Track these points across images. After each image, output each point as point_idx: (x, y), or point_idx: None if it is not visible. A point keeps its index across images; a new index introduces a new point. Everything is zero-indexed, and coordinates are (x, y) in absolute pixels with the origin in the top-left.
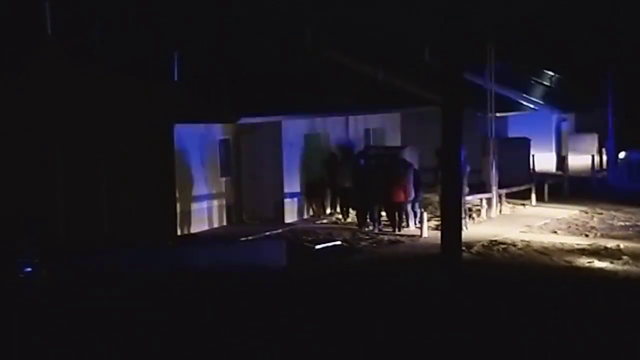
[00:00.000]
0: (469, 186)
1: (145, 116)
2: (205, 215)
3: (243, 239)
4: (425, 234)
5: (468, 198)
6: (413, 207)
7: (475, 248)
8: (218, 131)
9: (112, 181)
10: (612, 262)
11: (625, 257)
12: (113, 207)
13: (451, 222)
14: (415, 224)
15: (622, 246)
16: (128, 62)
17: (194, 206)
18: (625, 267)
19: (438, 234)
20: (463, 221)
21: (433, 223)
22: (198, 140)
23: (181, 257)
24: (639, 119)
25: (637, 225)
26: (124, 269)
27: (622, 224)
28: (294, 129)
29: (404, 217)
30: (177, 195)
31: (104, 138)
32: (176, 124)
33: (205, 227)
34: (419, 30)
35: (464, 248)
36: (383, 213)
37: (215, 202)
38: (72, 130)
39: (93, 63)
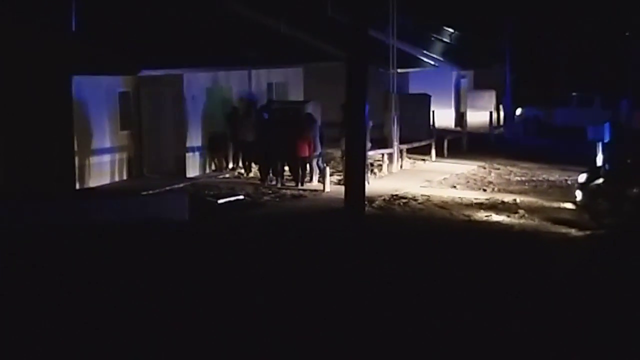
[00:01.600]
0: (371, 141)
1: (42, 67)
2: (105, 169)
3: (144, 192)
4: (328, 188)
5: (370, 153)
6: (317, 162)
7: (377, 202)
8: (118, 83)
9: (8, 132)
10: (508, 216)
11: (521, 211)
12: (8, 159)
13: (355, 177)
14: (318, 179)
15: (518, 200)
16: (25, 12)
17: (94, 159)
18: (521, 221)
19: (340, 188)
20: (365, 176)
21: (335, 178)
22: (97, 93)
23: (81, 210)
24: (535, 76)
25: (532, 180)
26: (21, 221)
27: (519, 178)
28: (196, 82)
29: (307, 171)
30: (76, 148)
31: None
32: (74, 75)
33: (106, 181)
34: None
35: (366, 202)
36: (286, 168)
37: (115, 156)
38: None
39: None
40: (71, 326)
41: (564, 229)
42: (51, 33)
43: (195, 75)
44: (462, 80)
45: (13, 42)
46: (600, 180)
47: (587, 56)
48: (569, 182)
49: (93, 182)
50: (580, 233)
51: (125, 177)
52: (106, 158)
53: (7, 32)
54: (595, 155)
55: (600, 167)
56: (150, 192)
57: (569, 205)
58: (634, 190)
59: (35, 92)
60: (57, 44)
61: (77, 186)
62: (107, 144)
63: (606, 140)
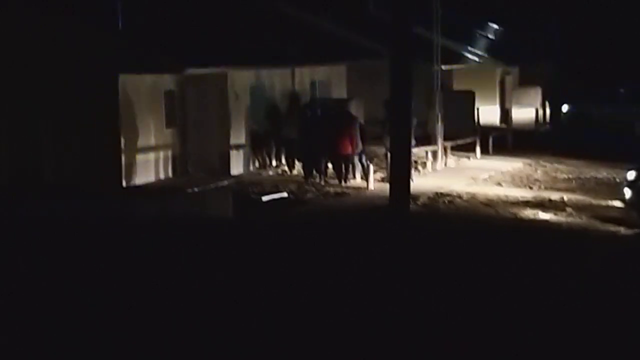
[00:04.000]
0: (415, 138)
1: (89, 66)
2: (150, 167)
3: (189, 190)
4: (372, 186)
5: (414, 150)
6: (360, 160)
7: (421, 200)
8: (163, 82)
9: (55, 131)
10: (555, 214)
11: (568, 209)
12: (56, 157)
13: (399, 174)
14: (361, 176)
15: (565, 198)
16: (72, 11)
17: (139, 157)
18: (569, 219)
19: (384, 186)
20: (410, 173)
21: (379, 175)
22: (143, 91)
23: (127, 207)
24: (581, 72)
25: (579, 178)
26: (70, 217)
27: (565, 176)
28: (240, 80)
29: (350, 169)
30: (123, 146)
31: (48, 88)
32: (121, 74)
33: (151, 179)
34: None
35: (410, 200)
36: (329, 165)
37: (160, 154)
38: (13, 79)
39: (35, 11)
40: (125, 320)
41: (612, 227)
42: (98, 32)
43: (239, 73)
44: (507, 77)
45: (61, 41)
46: None
47: (634, 51)
48: (617, 179)
49: (139, 180)
50: (629, 231)
51: (170, 175)
52: (152, 156)
53: (55, 31)
54: None
55: None
56: (195, 189)
57: (618, 203)
58: None
59: (83, 91)
60: (104, 43)
61: (124, 184)
62: (153, 142)
63: None
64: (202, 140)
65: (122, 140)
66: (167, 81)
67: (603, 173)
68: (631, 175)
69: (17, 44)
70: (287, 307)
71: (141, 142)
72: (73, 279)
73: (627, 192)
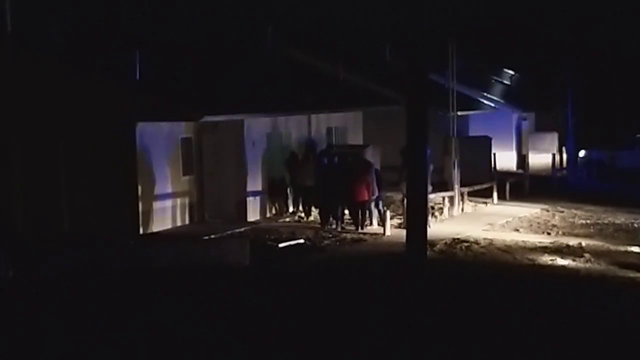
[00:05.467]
0: (432, 184)
1: (107, 115)
2: (167, 214)
3: (206, 237)
4: (389, 232)
5: (431, 196)
6: (376, 206)
7: (438, 246)
8: (180, 129)
9: (73, 179)
10: (574, 260)
11: (586, 255)
12: (74, 205)
13: (416, 220)
14: (378, 222)
15: (583, 244)
16: (90, 61)
17: (156, 205)
18: (587, 265)
19: (401, 232)
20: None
21: (395, 221)
22: (160, 139)
23: (144, 255)
24: (597, 117)
25: (597, 223)
26: (88, 267)
27: (583, 222)
28: (256, 128)
29: (367, 215)
30: (139, 193)
31: (65, 136)
32: (138, 122)
33: (168, 226)
34: (380, 28)
35: (427, 246)
36: (346, 212)
37: (177, 201)
38: (32, 128)
39: (55, 61)
40: None
41: (631, 274)
42: (116, 82)
43: (255, 121)
44: (524, 122)
45: (79, 91)
46: None
47: None
48: (636, 225)
49: (156, 227)
50: None
51: (187, 222)
52: (168, 203)
53: (73, 82)
54: None
55: None
56: (212, 236)
57: (637, 249)
58: None
59: (101, 139)
60: (122, 93)
61: (141, 231)
62: (170, 189)
63: None
64: (218, 187)
65: (139, 188)
66: (184, 129)
67: (621, 219)
68: None
69: (36, 95)
70: (299, 353)
71: (158, 190)
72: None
73: None
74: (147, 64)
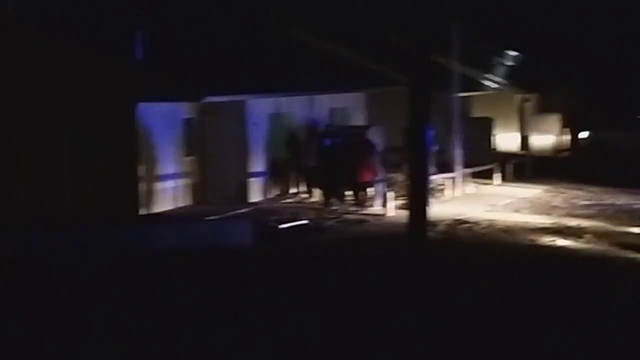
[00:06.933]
0: (435, 165)
1: (109, 94)
2: (169, 195)
3: (208, 218)
4: (390, 213)
5: (433, 177)
6: (379, 187)
7: (440, 227)
8: (182, 110)
9: (75, 160)
10: (574, 241)
11: (587, 236)
12: (75, 184)
13: (418, 201)
14: (381, 203)
15: (584, 225)
16: (93, 40)
17: (158, 185)
18: (588, 246)
19: (403, 213)
20: (428, 200)
21: (398, 202)
22: (162, 119)
23: (147, 235)
24: (600, 99)
25: (599, 205)
26: (90, 246)
27: (584, 203)
28: (259, 108)
29: (369, 196)
30: (141, 174)
31: (67, 115)
32: (140, 102)
33: (170, 207)
34: (383, 9)
35: (429, 227)
36: (348, 192)
37: (179, 182)
38: (34, 107)
39: (57, 40)
40: (140, 350)
41: (632, 254)
42: (118, 61)
43: (257, 102)
44: (527, 104)
45: (81, 70)
46: None
47: None
48: (637, 206)
49: (158, 208)
50: None
51: (189, 203)
52: (170, 184)
53: (76, 60)
54: None
55: None
56: (214, 217)
57: (637, 230)
58: None
59: (102, 119)
60: (124, 72)
61: (143, 212)
62: (172, 170)
63: None
64: (221, 168)
65: (141, 168)
66: (186, 109)
67: (622, 200)
68: None
69: (39, 74)
70: (300, 335)
71: (160, 170)
72: (93, 308)
73: None
74: (149, 43)
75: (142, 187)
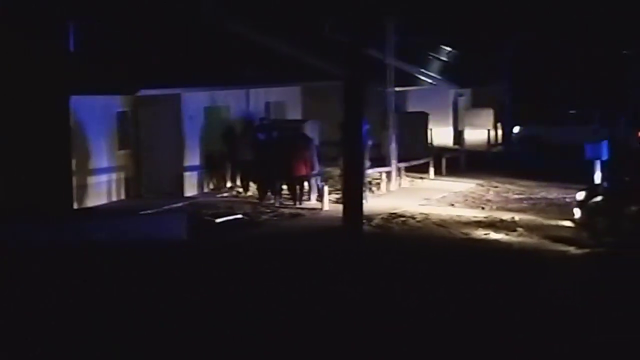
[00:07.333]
0: (370, 160)
1: (40, 87)
2: (103, 189)
3: (143, 212)
4: (326, 207)
5: (368, 171)
6: (315, 181)
7: (375, 221)
8: (116, 103)
9: (4, 153)
10: (507, 234)
11: (519, 229)
12: (6, 179)
13: (353, 195)
14: (316, 197)
15: (516, 218)
16: (23, 31)
17: (92, 179)
18: (520, 239)
19: (338, 207)
20: (363, 194)
21: (333, 196)
22: (95, 112)
23: (79, 230)
24: (533, 94)
25: (531, 198)
26: (21, 241)
27: (517, 197)
28: (194, 102)
29: (305, 190)
30: (74, 168)
31: None
32: (73, 95)
33: (104, 201)
34: (320, 2)
35: (364, 221)
36: (284, 186)
37: (113, 176)
38: None
39: None
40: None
41: (562, 247)
42: (50, 53)
43: (193, 95)
44: (460, 99)
45: (12, 61)
46: (599, 198)
47: (585, 74)
48: (568, 200)
49: (91, 202)
50: (579, 251)
51: (123, 197)
52: (104, 178)
53: (5, 52)
54: (594, 173)
55: (598, 184)
56: (149, 211)
57: (568, 223)
58: (632, 208)
59: (34, 112)
60: (56, 64)
61: (75, 206)
62: (105, 163)
63: (604, 158)
64: (155, 161)
65: (74, 162)
66: (120, 102)
67: (554, 194)
68: (580, 195)
69: None
70: (236, 329)
71: (93, 164)
72: (21, 306)
73: (577, 212)
74: (81, 35)
75: (75, 181)
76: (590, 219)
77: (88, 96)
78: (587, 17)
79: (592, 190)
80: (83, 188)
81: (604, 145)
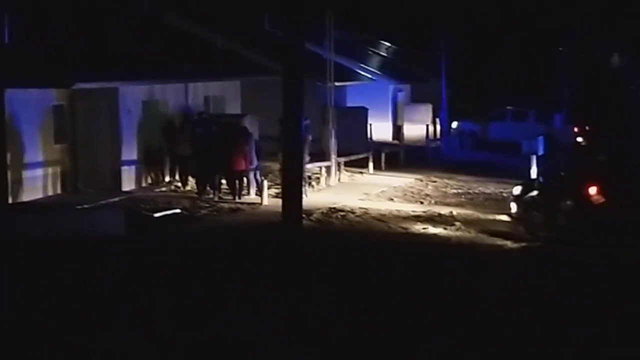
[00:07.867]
0: (309, 155)
1: None
2: (38, 184)
3: (79, 207)
4: (266, 201)
5: (308, 166)
6: (254, 175)
7: (315, 215)
8: (52, 96)
9: None
10: (445, 228)
11: (457, 224)
12: None
13: (292, 190)
14: (256, 192)
15: (454, 213)
16: None
17: (26, 174)
18: (458, 233)
19: (278, 201)
20: (303, 189)
21: (273, 191)
22: (30, 105)
23: (14, 225)
24: (470, 90)
25: (469, 193)
26: None
27: (455, 191)
28: (132, 95)
29: (244, 185)
30: (9, 162)
31: None
32: (7, 88)
33: (39, 196)
34: None
35: (304, 215)
36: (223, 181)
37: (49, 170)
38: None
39: None
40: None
41: (499, 241)
42: None
43: (131, 89)
44: (399, 94)
45: None
46: (535, 193)
47: (521, 71)
48: (504, 194)
49: (26, 197)
50: (515, 245)
51: (59, 192)
52: (39, 172)
53: None
54: (530, 168)
55: (534, 179)
56: (85, 206)
57: (505, 218)
58: (567, 202)
59: None
60: None
61: (10, 200)
62: (41, 157)
63: (540, 154)
64: (92, 156)
65: (8, 156)
66: (56, 95)
67: (491, 188)
68: (517, 190)
69: None
70: (170, 325)
71: (28, 158)
72: None
73: (514, 207)
74: (16, 27)
75: (9, 175)
76: (526, 214)
77: (23, 89)
78: (524, 14)
79: (528, 185)
80: (18, 182)
81: (540, 141)
